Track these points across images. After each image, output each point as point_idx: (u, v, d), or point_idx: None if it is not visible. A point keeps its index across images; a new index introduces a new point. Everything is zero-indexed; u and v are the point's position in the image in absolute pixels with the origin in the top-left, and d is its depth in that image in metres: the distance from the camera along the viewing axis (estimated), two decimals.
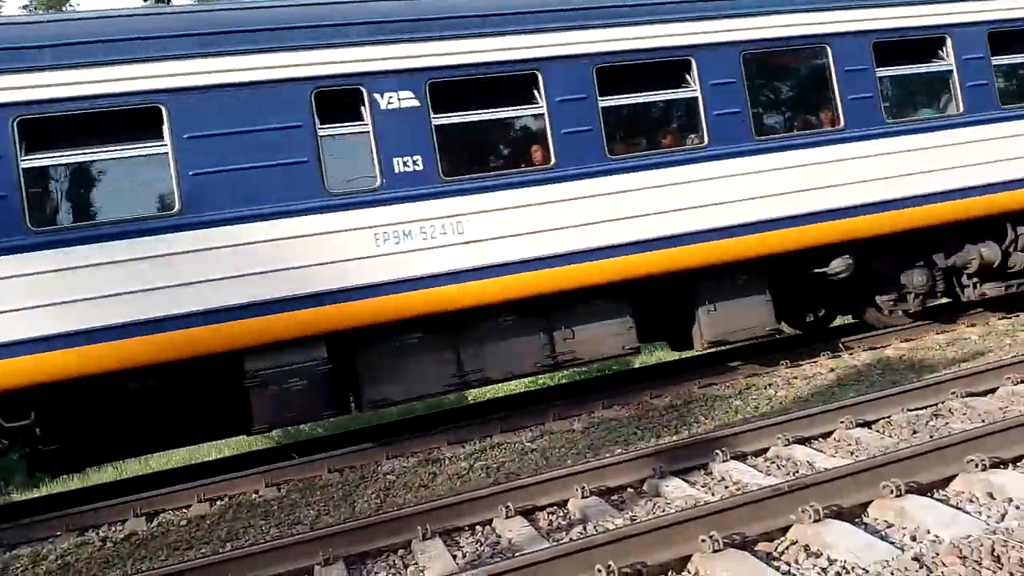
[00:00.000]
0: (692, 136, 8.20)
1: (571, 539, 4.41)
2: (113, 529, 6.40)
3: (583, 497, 5.06)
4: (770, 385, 7.90)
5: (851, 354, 8.67)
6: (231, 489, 6.87)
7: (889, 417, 6.04)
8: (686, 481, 5.24)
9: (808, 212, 8.11)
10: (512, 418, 7.88)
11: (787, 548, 3.93)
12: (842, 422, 5.88)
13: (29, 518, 6.70)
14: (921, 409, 6.12)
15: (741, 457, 5.55)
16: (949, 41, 8.87)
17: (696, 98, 8.00)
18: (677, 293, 8.20)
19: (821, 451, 5.61)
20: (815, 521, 3.95)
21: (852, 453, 5.49)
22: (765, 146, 8.13)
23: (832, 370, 8.19)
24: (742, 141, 8.03)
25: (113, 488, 7.99)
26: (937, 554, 3.48)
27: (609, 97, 7.75)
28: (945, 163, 8.60)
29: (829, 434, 5.87)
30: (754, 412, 7.11)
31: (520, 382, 10.66)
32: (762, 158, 8.08)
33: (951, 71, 8.91)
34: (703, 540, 3.77)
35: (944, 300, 9.78)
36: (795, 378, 8.08)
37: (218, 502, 6.67)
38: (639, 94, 8.20)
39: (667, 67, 8.08)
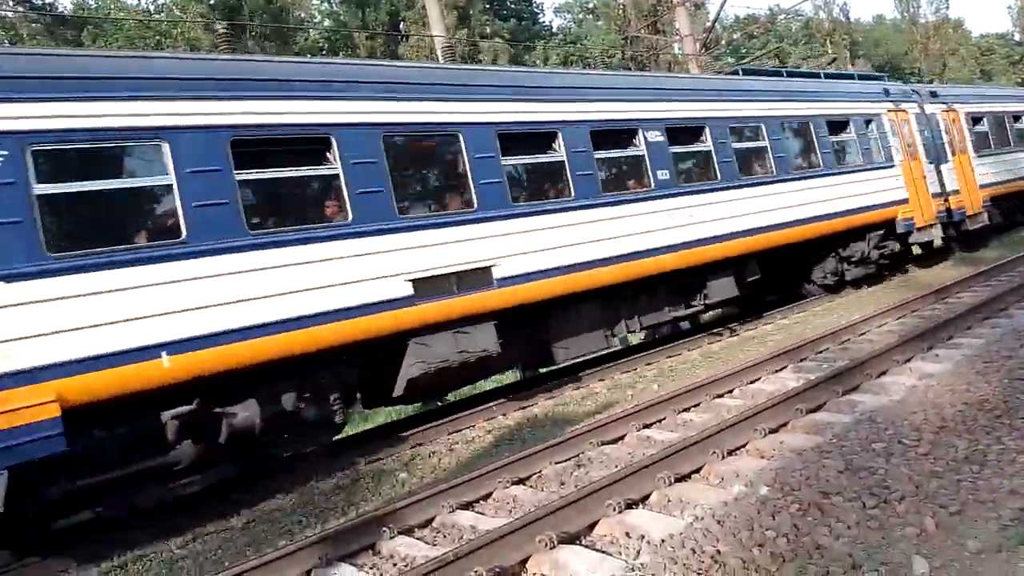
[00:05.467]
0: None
1: None
2: None
3: None
4: (434, 453, 8.08)
5: (505, 415, 9.24)
6: None
7: (540, 472, 6.49)
8: (354, 565, 5.09)
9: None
10: (157, 522, 7.00)
11: None
12: (499, 482, 6.18)
13: None
14: (565, 461, 6.68)
15: (408, 531, 5.54)
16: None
17: None
18: None
19: (483, 513, 5.82)
20: None
21: (510, 511, 5.77)
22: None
23: (489, 432, 8.64)
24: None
25: None
26: None
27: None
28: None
29: (489, 495, 6.12)
30: (420, 483, 7.19)
31: None
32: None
33: None
34: None
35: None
36: (457, 443, 8.37)
37: None
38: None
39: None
